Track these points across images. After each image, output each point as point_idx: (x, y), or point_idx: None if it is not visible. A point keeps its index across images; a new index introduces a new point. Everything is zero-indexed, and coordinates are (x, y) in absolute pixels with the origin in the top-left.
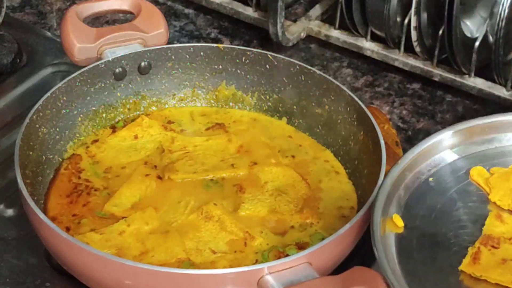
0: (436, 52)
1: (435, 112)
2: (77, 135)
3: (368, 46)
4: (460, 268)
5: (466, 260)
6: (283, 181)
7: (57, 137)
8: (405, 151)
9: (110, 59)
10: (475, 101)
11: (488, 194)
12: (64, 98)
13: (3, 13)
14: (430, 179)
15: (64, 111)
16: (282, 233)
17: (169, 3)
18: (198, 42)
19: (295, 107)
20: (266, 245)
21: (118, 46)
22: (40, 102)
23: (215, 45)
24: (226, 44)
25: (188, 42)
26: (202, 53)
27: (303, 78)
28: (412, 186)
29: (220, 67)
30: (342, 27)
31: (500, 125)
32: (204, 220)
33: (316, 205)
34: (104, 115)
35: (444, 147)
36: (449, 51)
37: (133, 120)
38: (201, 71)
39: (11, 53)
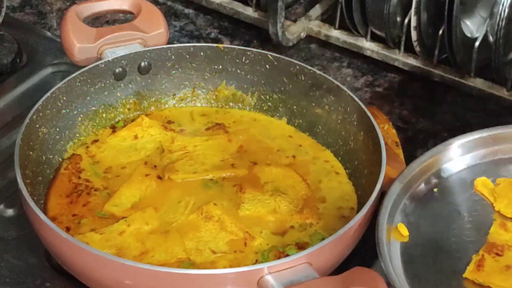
0: (436, 52)
1: (435, 112)
2: (77, 135)
3: (368, 46)
4: (464, 275)
5: (470, 267)
6: (283, 182)
7: (57, 137)
8: (405, 151)
9: (110, 59)
10: (475, 101)
11: (493, 204)
12: (64, 98)
13: (3, 13)
14: (435, 189)
15: (64, 111)
16: (282, 233)
17: (169, 3)
18: (198, 42)
19: (295, 107)
20: (266, 245)
21: (118, 46)
22: (40, 102)
23: (215, 45)
24: (226, 44)
25: (188, 42)
26: (202, 53)
27: (303, 78)
28: (417, 195)
29: (220, 67)
30: (342, 27)
31: (504, 137)
32: (204, 220)
33: (316, 205)
34: (104, 115)
35: (448, 158)
36: (449, 51)
37: (133, 120)
38: (201, 71)
39: (11, 53)
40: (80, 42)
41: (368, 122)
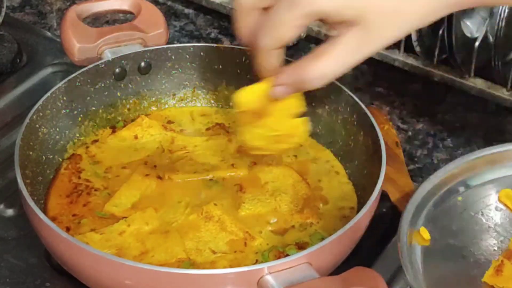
0: (436, 52)
1: (435, 112)
2: (77, 135)
3: None
4: (483, 279)
5: (489, 272)
6: (283, 181)
7: (57, 137)
8: (405, 151)
9: (110, 59)
10: (475, 101)
11: None
12: (64, 98)
13: (3, 13)
14: (459, 198)
15: (64, 111)
16: (282, 233)
17: (169, 3)
18: (198, 42)
19: None
20: (266, 245)
21: (118, 46)
22: (40, 102)
23: (215, 45)
24: (226, 44)
25: (188, 42)
26: (202, 53)
27: None
28: (441, 202)
29: (220, 67)
30: None
31: None
32: (204, 220)
33: (316, 205)
34: (104, 115)
35: (474, 169)
36: (449, 51)
37: (133, 120)
38: (201, 71)
39: (11, 53)
40: (80, 42)
41: (368, 122)
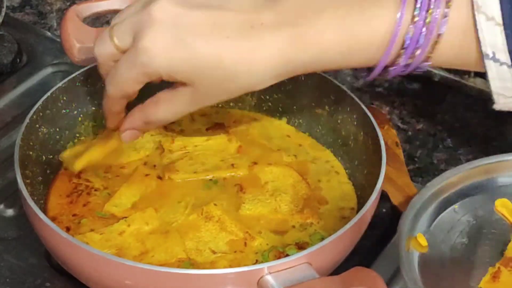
0: None
1: (435, 112)
2: (77, 135)
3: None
4: (479, 285)
5: (486, 278)
6: (283, 181)
7: (57, 137)
8: (405, 151)
9: None
10: (475, 101)
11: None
12: (64, 98)
13: (3, 13)
14: (455, 206)
15: (64, 111)
16: (282, 233)
17: None
18: None
19: (295, 107)
20: (266, 245)
21: None
22: (40, 102)
23: None
24: None
25: None
26: None
27: (303, 78)
28: (438, 210)
29: None
30: None
31: None
32: (204, 220)
33: (316, 205)
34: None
35: (472, 178)
36: None
37: None
38: None
39: (11, 53)
40: (80, 42)
41: (368, 122)
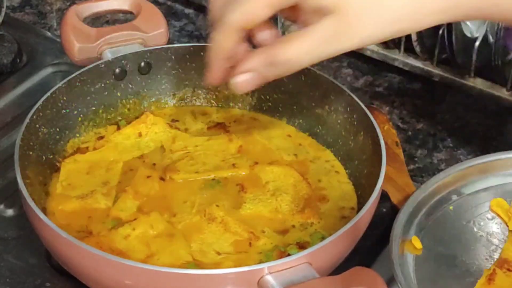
0: (436, 52)
1: (435, 112)
2: (77, 135)
3: (368, 46)
4: None
5: (481, 281)
6: (284, 181)
7: (57, 137)
8: (405, 151)
9: (110, 59)
10: (475, 101)
11: (507, 224)
12: (64, 98)
13: (3, 13)
14: (450, 207)
15: (64, 111)
16: (283, 232)
17: (169, 3)
18: (198, 42)
19: (295, 107)
20: (270, 244)
21: (118, 46)
22: (40, 102)
23: None
24: None
25: (188, 42)
26: (202, 53)
27: (303, 78)
28: (433, 211)
29: None
30: None
31: None
32: (207, 221)
33: (317, 205)
34: (104, 115)
35: (466, 178)
36: (449, 51)
37: (136, 117)
38: (201, 71)
39: (11, 53)
40: (80, 42)
41: (368, 122)
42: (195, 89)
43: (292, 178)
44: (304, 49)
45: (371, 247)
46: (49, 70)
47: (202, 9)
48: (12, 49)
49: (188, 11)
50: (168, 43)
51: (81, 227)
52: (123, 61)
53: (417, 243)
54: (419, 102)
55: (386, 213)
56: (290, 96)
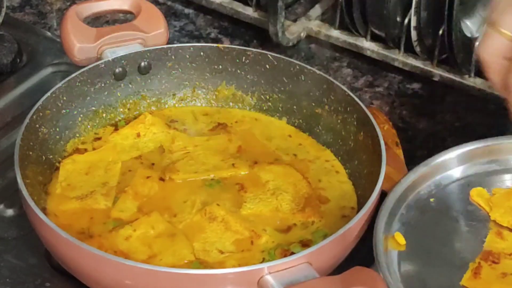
0: (436, 52)
1: (435, 112)
2: (77, 135)
3: (368, 46)
4: (461, 282)
5: (467, 275)
6: (284, 180)
7: (57, 137)
8: (405, 151)
9: (110, 59)
10: (475, 101)
11: (488, 214)
12: (64, 98)
13: (3, 13)
14: (431, 199)
15: (64, 111)
16: (285, 231)
17: (169, 3)
18: (198, 42)
19: (295, 107)
20: (272, 242)
21: (118, 46)
22: (40, 102)
23: (215, 45)
24: (226, 44)
25: (188, 42)
26: (202, 53)
27: (303, 78)
28: (414, 205)
29: (220, 67)
30: (342, 27)
31: (498, 148)
32: (208, 221)
33: (317, 203)
34: (104, 115)
35: (444, 169)
36: (449, 51)
37: (135, 118)
38: (201, 71)
39: (11, 53)
40: (80, 42)
41: (368, 122)
42: (195, 89)
43: (292, 177)
44: None
45: (371, 247)
46: (49, 70)
47: (202, 9)
48: (12, 49)
49: (188, 11)
50: (168, 43)
51: (82, 228)
52: (123, 61)
53: (400, 239)
54: (419, 102)
55: None
56: (290, 96)
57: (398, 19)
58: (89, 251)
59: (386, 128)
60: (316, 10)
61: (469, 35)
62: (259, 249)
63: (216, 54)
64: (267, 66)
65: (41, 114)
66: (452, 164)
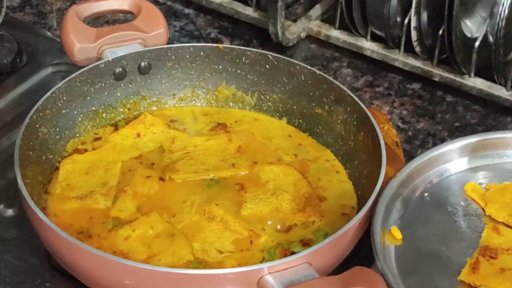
0: (436, 52)
1: (435, 112)
2: (77, 135)
3: (368, 46)
4: (459, 278)
5: (465, 270)
6: (284, 180)
7: (57, 137)
8: (405, 151)
9: (110, 59)
10: (475, 101)
11: (483, 209)
12: (64, 98)
13: (3, 13)
14: (426, 194)
15: (64, 111)
16: (286, 231)
17: (169, 3)
18: (198, 42)
19: (295, 107)
20: (271, 242)
21: (118, 46)
22: (40, 102)
23: (215, 45)
24: (226, 44)
25: (188, 42)
26: (202, 53)
27: (303, 78)
28: (409, 200)
29: (220, 67)
30: (342, 27)
31: (492, 143)
32: (207, 220)
33: (317, 203)
34: (104, 115)
35: (439, 163)
36: (449, 51)
37: (135, 118)
38: (201, 71)
39: (11, 53)
40: (80, 42)
41: (368, 122)
42: (195, 89)
43: (292, 177)
44: None
45: (371, 247)
46: (49, 70)
47: (202, 9)
48: (12, 49)
49: (188, 11)
50: (168, 43)
51: (81, 228)
52: (123, 61)
53: (397, 233)
54: (419, 102)
55: None
56: (290, 96)
57: (398, 19)
58: (89, 251)
59: (386, 128)
60: (316, 10)
61: (469, 35)
62: (259, 249)
63: (216, 54)
64: (267, 66)
65: (41, 114)
66: (446, 159)
